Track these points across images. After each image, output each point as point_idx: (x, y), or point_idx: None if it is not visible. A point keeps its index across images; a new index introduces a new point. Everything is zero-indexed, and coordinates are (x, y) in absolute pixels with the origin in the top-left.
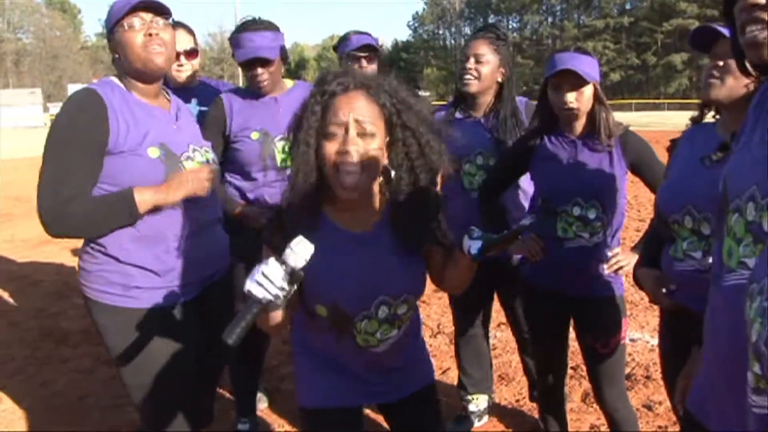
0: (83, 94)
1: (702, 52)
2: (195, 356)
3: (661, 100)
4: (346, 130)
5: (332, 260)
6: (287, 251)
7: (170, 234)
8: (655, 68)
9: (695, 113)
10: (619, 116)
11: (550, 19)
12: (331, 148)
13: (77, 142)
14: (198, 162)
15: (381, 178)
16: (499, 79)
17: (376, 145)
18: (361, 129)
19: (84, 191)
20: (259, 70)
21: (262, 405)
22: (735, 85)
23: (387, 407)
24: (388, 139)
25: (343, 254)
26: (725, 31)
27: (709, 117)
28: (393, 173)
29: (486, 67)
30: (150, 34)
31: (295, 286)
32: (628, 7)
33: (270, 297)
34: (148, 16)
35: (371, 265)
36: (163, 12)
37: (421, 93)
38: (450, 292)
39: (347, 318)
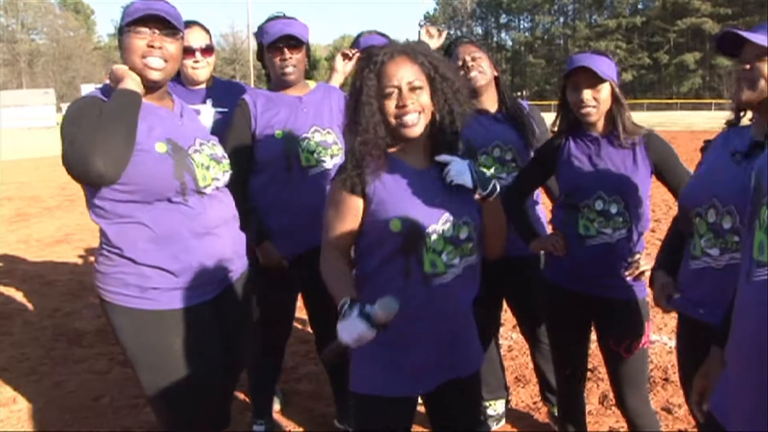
0: (85, 100)
1: (732, 57)
2: (213, 358)
3: (673, 100)
4: (400, 90)
5: (402, 184)
6: (376, 314)
7: (186, 233)
8: (667, 68)
9: (730, 116)
10: (632, 116)
11: (561, 19)
12: (391, 105)
13: (87, 114)
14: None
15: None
16: (496, 74)
17: (425, 96)
18: (411, 86)
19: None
20: (287, 53)
21: (277, 407)
22: (765, 87)
23: (431, 396)
24: (432, 93)
25: (410, 181)
26: (749, 35)
27: (746, 120)
28: (437, 117)
29: (484, 62)
30: (152, 46)
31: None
32: (640, 6)
33: (364, 343)
34: (157, 28)
35: (433, 191)
36: (175, 27)
37: None
38: (490, 248)
39: (419, 230)
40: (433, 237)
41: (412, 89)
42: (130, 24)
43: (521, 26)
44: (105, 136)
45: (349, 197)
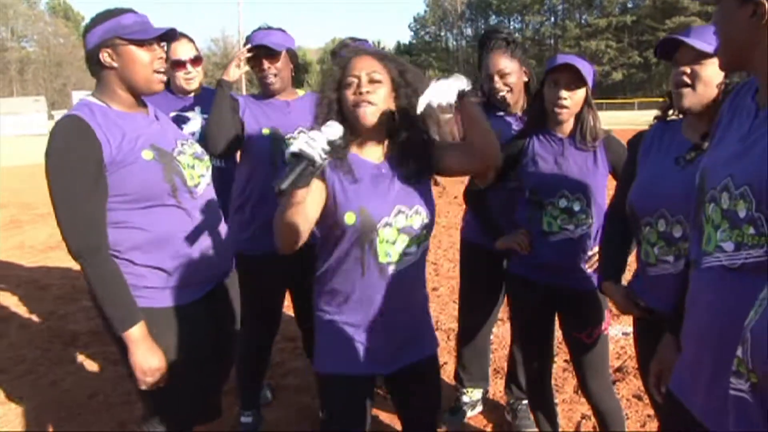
0: (67, 125)
1: (666, 60)
2: (204, 353)
3: (663, 99)
4: (359, 80)
5: (356, 178)
6: (324, 128)
7: (180, 234)
8: (657, 66)
9: (659, 112)
10: (622, 115)
11: (552, 19)
12: (350, 93)
13: (78, 176)
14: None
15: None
16: (525, 79)
17: (384, 89)
18: (370, 78)
19: (105, 240)
20: (266, 64)
21: (266, 400)
22: (704, 90)
23: (392, 378)
24: (394, 94)
25: (364, 174)
26: (686, 39)
27: (672, 115)
28: (398, 117)
29: (512, 77)
30: (162, 58)
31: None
32: (629, 5)
33: (315, 154)
34: (159, 42)
35: (387, 183)
36: (163, 39)
37: None
38: (483, 160)
39: (372, 223)
40: (386, 229)
41: (371, 81)
42: (143, 40)
43: (511, 27)
44: (98, 285)
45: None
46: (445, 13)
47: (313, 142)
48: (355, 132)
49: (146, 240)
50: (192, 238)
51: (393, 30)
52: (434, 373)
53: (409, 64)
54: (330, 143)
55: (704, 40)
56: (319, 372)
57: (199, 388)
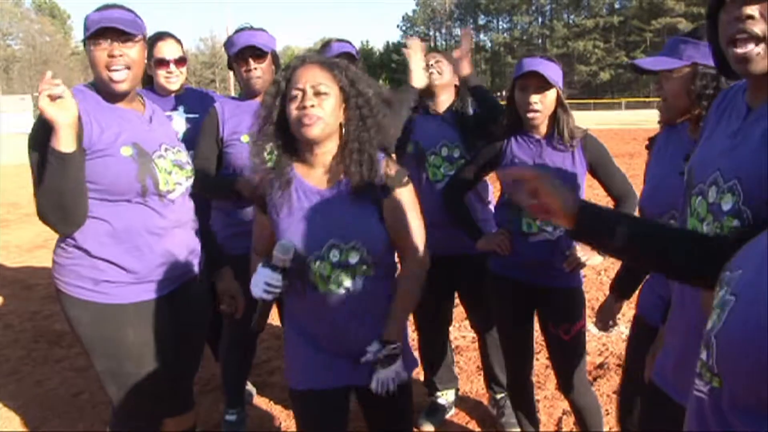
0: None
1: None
2: (167, 349)
3: (651, 99)
4: (304, 92)
5: (294, 207)
6: (275, 258)
7: (143, 231)
8: None
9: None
10: (610, 115)
11: (539, 19)
12: (293, 107)
13: (37, 165)
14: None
15: (338, 141)
16: (456, 83)
17: (330, 102)
18: (315, 90)
19: None
20: (252, 64)
21: (251, 398)
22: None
23: (363, 393)
24: (344, 105)
25: (304, 204)
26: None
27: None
28: (350, 131)
29: (444, 66)
30: (113, 56)
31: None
32: (617, 6)
33: (277, 293)
34: (113, 37)
35: (325, 213)
36: (131, 35)
37: None
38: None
39: (301, 258)
40: (317, 264)
41: (317, 93)
42: (89, 38)
43: (500, 27)
44: (55, 213)
45: (260, 215)
46: (435, 12)
47: (274, 287)
48: (302, 149)
49: (107, 232)
50: (155, 237)
51: (382, 29)
52: (405, 397)
53: (363, 72)
54: (284, 270)
55: None
56: (290, 389)
57: (156, 382)
